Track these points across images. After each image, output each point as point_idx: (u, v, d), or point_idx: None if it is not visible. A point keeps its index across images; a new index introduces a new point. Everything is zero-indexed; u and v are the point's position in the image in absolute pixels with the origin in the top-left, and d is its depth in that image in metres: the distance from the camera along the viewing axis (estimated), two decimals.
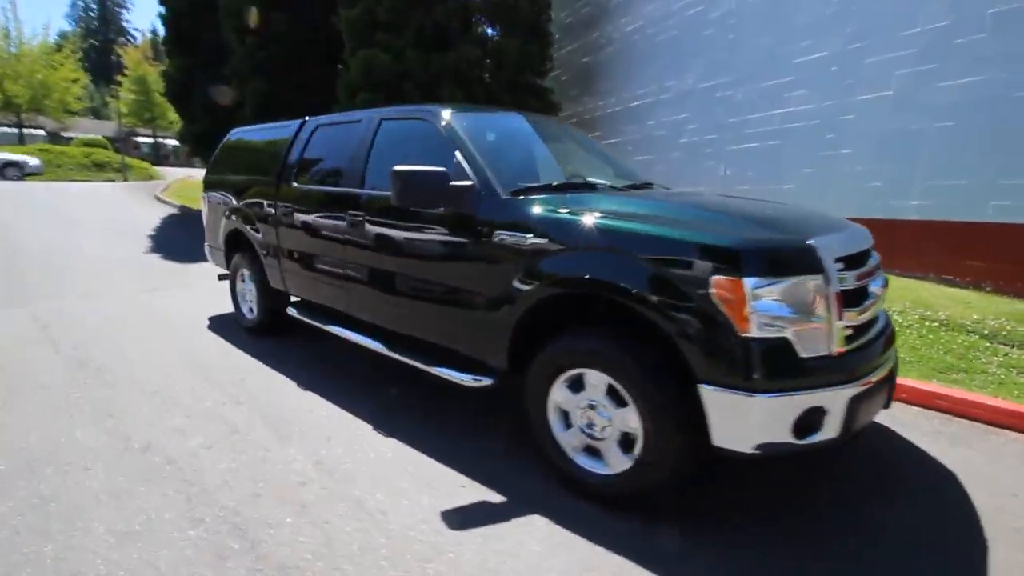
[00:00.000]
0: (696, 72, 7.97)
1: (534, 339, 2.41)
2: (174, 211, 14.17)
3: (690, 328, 1.86)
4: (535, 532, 2.06)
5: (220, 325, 4.91)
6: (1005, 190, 4.74)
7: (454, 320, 2.71)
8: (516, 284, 2.35)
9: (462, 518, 2.13)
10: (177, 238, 10.41)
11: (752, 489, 2.36)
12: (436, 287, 2.77)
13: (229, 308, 5.26)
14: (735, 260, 1.81)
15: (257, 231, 4.23)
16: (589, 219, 2.19)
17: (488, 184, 2.54)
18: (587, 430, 2.24)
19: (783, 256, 1.87)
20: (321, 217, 3.53)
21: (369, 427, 2.92)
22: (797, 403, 1.81)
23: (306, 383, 3.53)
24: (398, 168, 2.50)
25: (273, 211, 4.01)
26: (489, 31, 8.57)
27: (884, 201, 5.70)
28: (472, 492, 2.32)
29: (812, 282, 1.85)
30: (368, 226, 3.11)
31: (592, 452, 2.26)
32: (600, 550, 1.95)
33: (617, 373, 2.05)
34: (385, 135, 3.25)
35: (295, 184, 3.85)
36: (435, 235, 2.73)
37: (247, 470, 2.49)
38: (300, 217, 3.71)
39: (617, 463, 2.15)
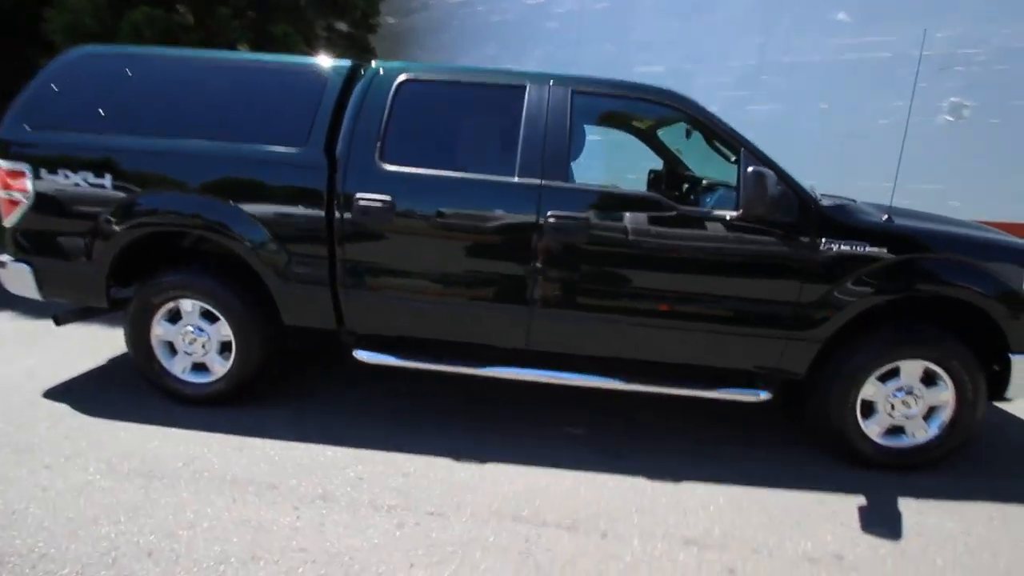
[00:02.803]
0: (537, 62, 8.34)
1: None
2: None
3: (1013, 313, 2.39)
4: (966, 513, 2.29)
5: (102, 399, 2.81)
6: None
7: (740, 335, 2.48)
8: (844, 291, 2.39)
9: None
10: None
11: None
12: (720, 301, 2.46)
13: (47, 365, 3.18)
14: None
15: (265, 240, 2.53)
16: (928, 229, 2.48)
17: (800, 190, 2.41)
18: (892, 414, 2.53)
19: None
20: (473, 218, 2.47)
21: (671, 484, 2.38)
22: None
23: (456, 452, 2.50)
24: (761, 169, 2.12)
25: (323, 209, 2.50)
26: None
27: None
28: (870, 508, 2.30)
29: None
30: (603, 233, 2.41)
31: (893, 432, 2.58)
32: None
33: (950, 360, 2.42)
34: (582, 114, 2.51)
35: (387, 167, 2.50)
36: (729, 243, 2.40)
37: None
38: (413, 217, 2.48)
39: (923, 435, 2.54)
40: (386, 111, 2.52)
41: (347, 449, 2.50)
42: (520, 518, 2.10)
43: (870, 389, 2.51)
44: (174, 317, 2.75)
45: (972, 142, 5.87)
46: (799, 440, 2.84)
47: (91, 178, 2.60)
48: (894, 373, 2.50)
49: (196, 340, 2.73)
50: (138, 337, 2.74)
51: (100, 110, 2.64)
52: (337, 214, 2.51)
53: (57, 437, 2.45)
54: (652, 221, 2.42)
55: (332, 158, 2.52)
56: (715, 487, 2.38)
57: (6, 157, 2.67)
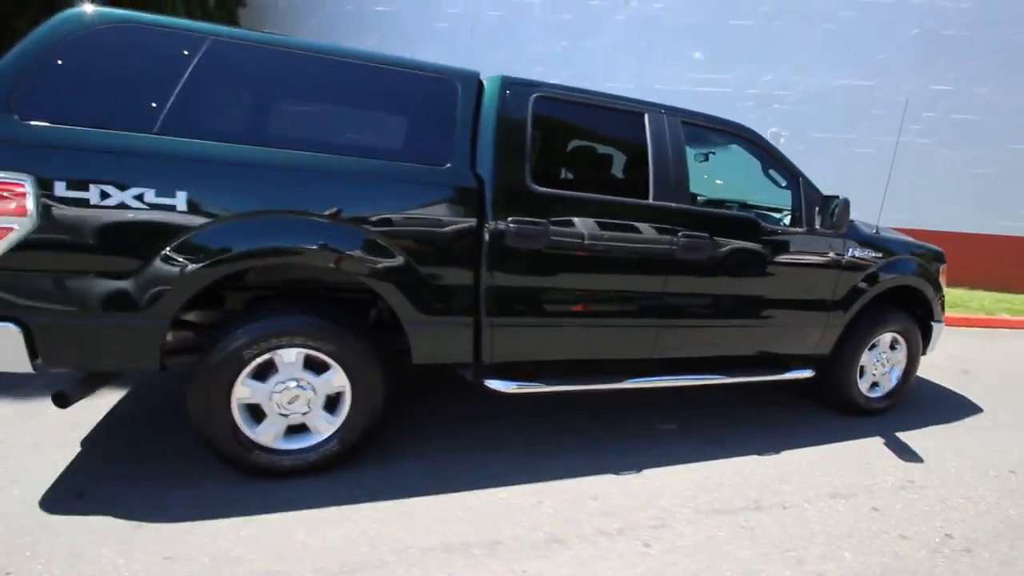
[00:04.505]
0: (428, 59, 8.15)
1: None
2: None
3: (935, 294, 3.50)
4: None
5: (146, 496, 2.13)
6: None
7: (801, 327, 3.09)
8: (858, 287, 3.19)
9: None
10: None
11: None
12: (791, 302, 3.02)
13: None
14: (944, 258, 3.58)
15: (404, 270, 2.17)
16: (895, 238, 3.41)
17: None
18: (875, 373, 3.46)
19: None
20: (621, 239, 2.53)
21: (775, 456, 2.83)
22: None
23: (608, 466, 2.59)
24: (847, 197, 2.69)
25: (472, 234, 2.27)
26: None
27: None
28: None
29: None
30: (718, 250, 2.73)
31: (872, 387, 3.51)
32: None
33: (908, 330, 3.43)
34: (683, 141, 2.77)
35: (538, 188, 2.37)
36: (806, 253, 3.00)
37: None
38: (564, 240, 2.42)
39: (889, 385, 3.53)
40: (528, 129, 2.42)
41: (515, 487, 2.36)
42: (719, 511, 2.34)
43: (864, 357, 3.40)
44: (261, 373, 2.17)
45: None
46: (804, 401, 3.64)
47: (152, 196, 1.88)
48: (876, 343, 3.44)
49: (298, 397, 2.21)
50: (214, 403, 2.09)
51: (153, 103, 1.92)
52: (487, 238, 2.33)
53: (154, 561, 1.75)
54: (754, 238, 2.86)
55: (487, 186, 2.32)
56: (803, 452, 2.95)
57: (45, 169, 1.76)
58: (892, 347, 3.52)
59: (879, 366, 3.48)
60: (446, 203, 2.27)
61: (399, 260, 2.22)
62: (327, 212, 2.09)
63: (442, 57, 9.60)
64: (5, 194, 1.77)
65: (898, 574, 2.03)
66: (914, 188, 7.81)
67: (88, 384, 2.10)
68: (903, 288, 3.47)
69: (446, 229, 2.28)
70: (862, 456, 2.96)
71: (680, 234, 2.66)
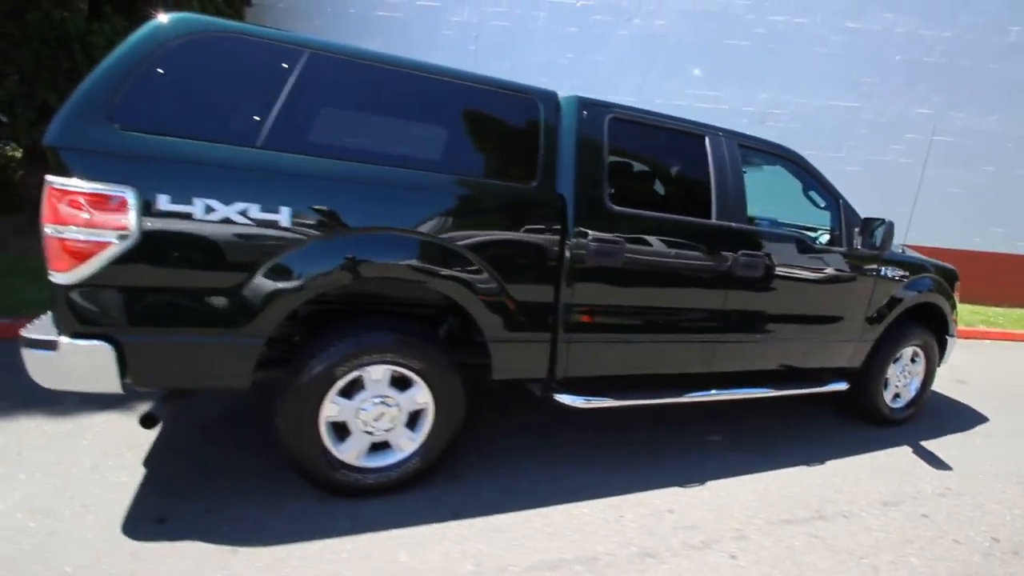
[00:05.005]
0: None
1: None
2: None
3: (950, 310, 3.71)
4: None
5: (231, 519, 2.08)
6: None
7: (841, 341, 3.23)
8: (888, 304, 3.35)
9: None
10: None
11: None
12: (833, 318, 3.16)
13: (55, 495, 2.37)
14: (958, 276, 3.80)
15: (492, 287, 2.18)
16: (918, 257, 3.58)
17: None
18: (898, 385, 3.64)
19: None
20: (689, 257, 2.61)
21: (820, 466, 2.94)
22: None
23: (673, 478, 2.65)
24: (892, 220, 2.84)
25: (556, 252, 2.30)
26: None
27: None
28: None
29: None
30: (773, 268, 2.84)
31: (895, 397, 3.69)
32: None
33: (927, 345, 3.62)
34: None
35: (616, 208, 2.41)
36: (845, 271, 3.13)
37: None
38: (639, 258, 2.48)
39: (909, 395, 3.72)
40: (605, 149, 2.47)
41: (593, 502, 2.39)
42: (789, 521, 2.42)
43: (889, 370, 3.58)
44: (347, 390, 2.13)
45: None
46: (826, 412, 3.80)
47: (256, 212, 1.83)
48: (899, 356, 3.62)
49: (384, 414, 2.18)
50: (303, 421, 2.04)
51: (255, 115, 1.87)
52: (568, 256, 2.36)
53: None
54: (804, 257, 2.98)
55: (577, 206, 2.36)
56: (844, 462, 3.08)
57: (85, 176, 1.67)
58: (913, 360, 3.71)
59: (902, 378, 3.67)
60: (533, 221, 2.29)
61: (486, 277, 2.22)
62: (426, 230, 2.09)
63: (449, 61, 9.59)
64: (106, 208, 1.70)
65: None
66: (895, 205, 8.24)
67: (171, 403, 2.02)
68: (923, 304, 3.68)
69: (532, 247, 2.30)
70: (898, 465, 3.12)
71: (741, 253, 2.76)
